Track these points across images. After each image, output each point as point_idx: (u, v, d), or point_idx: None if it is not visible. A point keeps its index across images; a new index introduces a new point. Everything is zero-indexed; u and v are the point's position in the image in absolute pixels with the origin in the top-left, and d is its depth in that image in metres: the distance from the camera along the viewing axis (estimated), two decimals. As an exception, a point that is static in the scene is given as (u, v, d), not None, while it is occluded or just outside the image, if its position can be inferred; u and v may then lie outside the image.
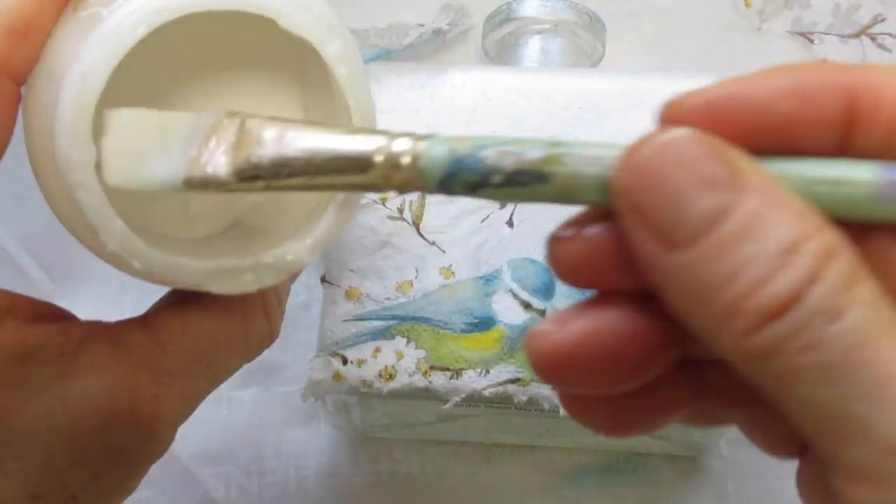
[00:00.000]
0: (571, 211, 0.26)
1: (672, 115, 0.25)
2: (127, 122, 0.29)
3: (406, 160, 0.26)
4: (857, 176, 0.24)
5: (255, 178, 0.27)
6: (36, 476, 0.32)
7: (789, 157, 0.24)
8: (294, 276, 0.37)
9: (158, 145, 0.29)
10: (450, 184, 0.25)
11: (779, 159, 0.24)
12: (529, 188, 0.25)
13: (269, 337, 0.37)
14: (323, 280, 0.43)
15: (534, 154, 0.25)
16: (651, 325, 0.25)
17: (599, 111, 0.45)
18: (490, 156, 0.25)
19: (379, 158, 0.26)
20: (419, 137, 0.26)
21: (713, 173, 0.23)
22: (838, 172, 0.24)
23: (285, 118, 0.28)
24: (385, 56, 0.50)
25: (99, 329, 0.34)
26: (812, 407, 0.22)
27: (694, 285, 0.23)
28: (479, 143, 0.25)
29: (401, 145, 0.26)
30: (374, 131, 0.27)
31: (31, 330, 0.33)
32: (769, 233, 0.22)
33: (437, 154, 0.25)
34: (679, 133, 0.23)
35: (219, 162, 0.28)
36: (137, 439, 0.34)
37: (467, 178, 0.25)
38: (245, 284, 0.32)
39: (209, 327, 0.34)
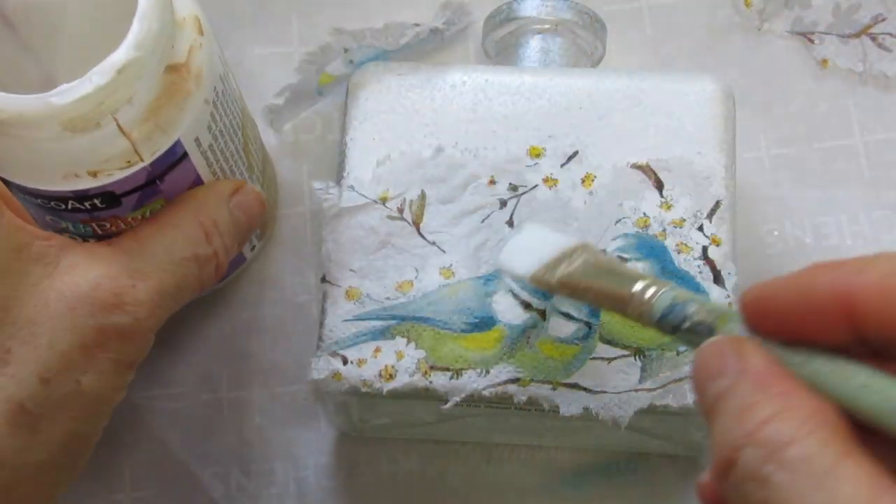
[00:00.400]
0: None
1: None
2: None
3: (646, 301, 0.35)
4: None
5: (567, 288, 0.38)
6: (43, 360, 0.36)
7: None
8: (250, 223, 0.44)
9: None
10: (662, 323, 0.34)
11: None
12: (701, 336, 0.32)
13: (214, 261, 0.42)
14: (323, 280, 0.43)
15: (714, 313, 0.32)
16: None
17: (599, 111, 0.45)
18: (690, 308, 0.33)
19: (635, 297, 0.35)
20: (660, 284, 0.35)
21: (723, 366, 0.28)
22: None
23: (601, 258, 0.39)
24: (383, 56, 0.50)
25: (72, 242, 0.39)
26: None
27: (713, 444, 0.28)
28: (688, 298, 0.33)
29: (648, 293, 0.35)
30: (639, 276, 0.36)
31: (23, 226, 0.38)
32: (747, 412, 0.27)
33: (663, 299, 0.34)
34: (713, 340, 0.30)
35: (554, 273, 0.38)
36: (125, 323, 0.38)
37: (672, 320, 0.33)
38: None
39: (163, 239, 0.40)
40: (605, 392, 0.41)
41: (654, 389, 0.41)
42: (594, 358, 0.42)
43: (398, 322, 0.42)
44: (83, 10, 0.43)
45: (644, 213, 0.44)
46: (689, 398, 0.41)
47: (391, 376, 0.41)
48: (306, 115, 0.53)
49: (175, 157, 0.41)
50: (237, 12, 0.56)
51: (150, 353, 0.50)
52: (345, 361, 0.42)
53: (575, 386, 0.41)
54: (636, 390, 0.41)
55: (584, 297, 0.38)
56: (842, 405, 0.27)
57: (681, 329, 0.33)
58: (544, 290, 0.40)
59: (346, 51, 0.50)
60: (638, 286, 0.35)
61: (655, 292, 0.34)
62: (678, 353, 0.41)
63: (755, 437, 0.26)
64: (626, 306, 0.35)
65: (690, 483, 0.48)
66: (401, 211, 0.44)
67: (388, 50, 0.51)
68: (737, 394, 0.27)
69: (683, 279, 0.42)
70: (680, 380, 0.41)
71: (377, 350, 0.42)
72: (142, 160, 0.40)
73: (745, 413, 0.27)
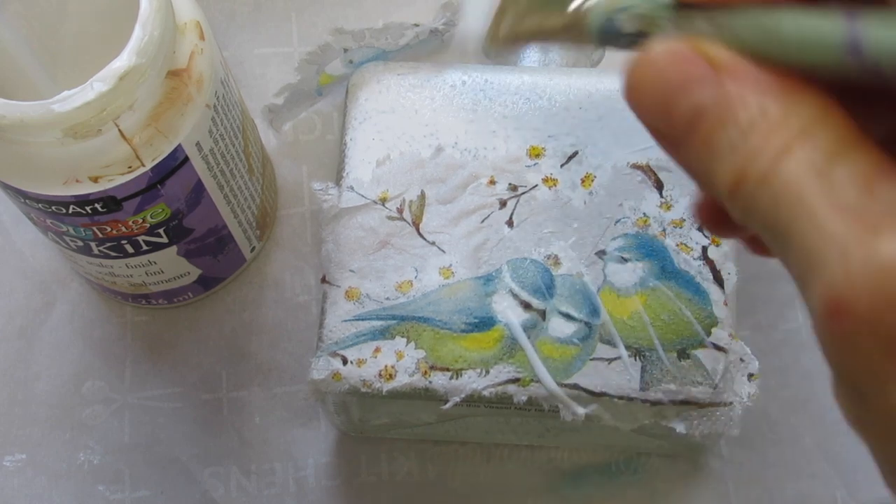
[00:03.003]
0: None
1: None
2: None
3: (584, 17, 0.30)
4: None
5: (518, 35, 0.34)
6: None
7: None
8: None
9: None
10: (603, 41, 0.30)
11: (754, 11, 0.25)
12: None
13: None
14: (323, 280, 0.43)
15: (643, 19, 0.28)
16: None
17: (599, 111, 0.45)
18: (620, 18, 0.28)
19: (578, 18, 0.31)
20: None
21: (692, 73, 0.25)
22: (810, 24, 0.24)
23: None
24: (382, 57, 0.50)
25: None
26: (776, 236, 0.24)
27: (693, 173, 0.26)
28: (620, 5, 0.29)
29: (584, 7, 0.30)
30: None
31: None
32: (737, 117, 0.24)
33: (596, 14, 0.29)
34: (656, 48, 0.26)
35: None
36: None
37: (609, 36, 0.29)
38: None
39: None
40: (605, 394, 0.41)
41: (657, 404, 0.41)
42: (594, 358, 0.42)
43: (398, 322, 0.42)
44: (84, 15, 0.43)
45: (644, 213, 0.44)
46: (694, 419, 0.41)
47: (391, 376, 0.41)
48: (306, 115, 0.53)
49: (176, 162, 0.41)
50: (237, 13, 0.56)
51: (150, 352, 0.51)
52: (344, 361, 0.42)
53: (575, 387, 0.41)
54: (641, 400, 0.41)
55: (537, 36, 0.34)
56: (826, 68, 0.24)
57: (620, 44, 0.29)
58: (504, 50, 0.39)
59: (345, 51, 0.50)
60: (575, 3, 0.31)
61: (589, 6, 0.31)
62: (678, 356, 0.41)
63: (767, 151, 0.24)
64: (571, 32, 0.31)
65: (690, 483, 0.48)
66: (400, 211, 0.44)
67: (388, 50, 0.51)
68: (734, 104, 0.24)
69: (683, 279, 0.42)
70: (684, 403, 0.41)
71: (377, 350, 0.42)
72: (143, 165, 0.40)
73: (755, 127, 0.24)
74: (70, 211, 0.41)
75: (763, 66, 0.24)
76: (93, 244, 0.44)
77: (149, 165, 0.40)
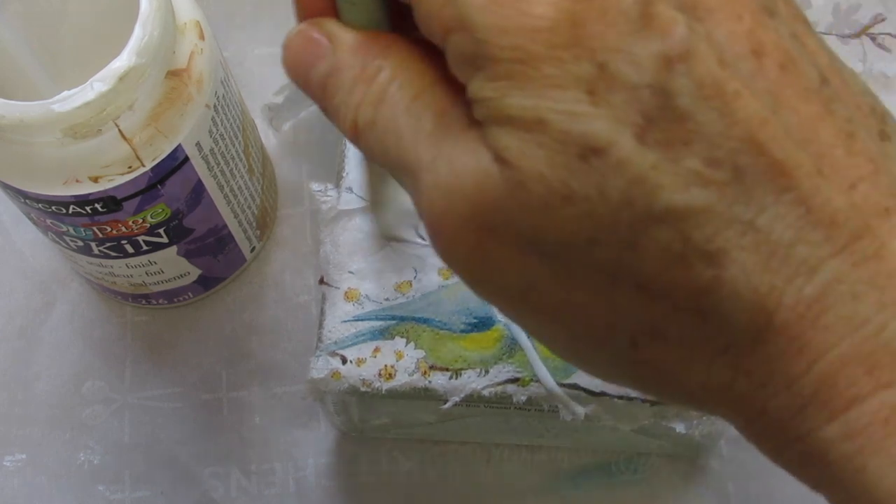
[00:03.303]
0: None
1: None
2: None
3: None
4: None
5: None
6: None
7: None
8: None
9: None
10: None
11: None
12: None
13: None
14: (321, 282, 0.43)
15: None
16: None
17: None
18: None
19: None
20: None
21: (314, 51, 0.30)
22: None
23: None
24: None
25: None
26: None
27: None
28: None
29: None
30: None
31: None
32: (343, 79, 0.29)
33: None
34: (292, 32, 0.31)
35: None
36: None
37: None
38: None
39: None
40: (605, 394, 0.41)
41: (657, 404, 0.41)
42: (594, 358, 0.42)
43: (397, 322, 0.42)
44: (84, 15, 0.43)
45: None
46: (693, 418, 0.41)
47: (391, 376, 0.41)
48: (306, 115, 0.53)
49: (176, 162, 0.41)
50: (237, 13, 0.56)
51: (150, 352, 0.51)
52: (344, 361, 0.42)
53: (574, 386, 0.41)
54: (640, 400, 0.41)
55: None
56: None
57: None
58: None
59: (345, 51, 0.50)
60: None
61: None
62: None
63: (367, 92, 0.28)
64: None
65: (690, 483, 0.48)
66: (400, 213, 0.44)
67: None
68: (344, 67, 0.29)
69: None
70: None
71: (376, 350, 0.42)
72: (143, 165, 0.40)
73: (359, 77, 0.28)
74: (70, 211, 0.41)
75: (361, 33, 0.29)
76: (93, 244, 0.44)
77: (149, 165, 0.40)
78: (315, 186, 0.44)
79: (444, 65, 0.27)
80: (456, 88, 0.27)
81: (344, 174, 0.45)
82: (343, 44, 0.29)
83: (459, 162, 0.26)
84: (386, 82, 0.28)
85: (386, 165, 0.29)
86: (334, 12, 0.30)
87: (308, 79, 0.30)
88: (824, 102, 0.25)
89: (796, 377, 0.25)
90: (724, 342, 0.25)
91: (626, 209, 0.25)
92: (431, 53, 0.28)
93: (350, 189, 0.44)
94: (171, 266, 0.47)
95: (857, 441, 0.24)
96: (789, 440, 0.26)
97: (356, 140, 0.29)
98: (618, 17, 0.25)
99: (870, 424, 0.24)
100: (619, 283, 0.26)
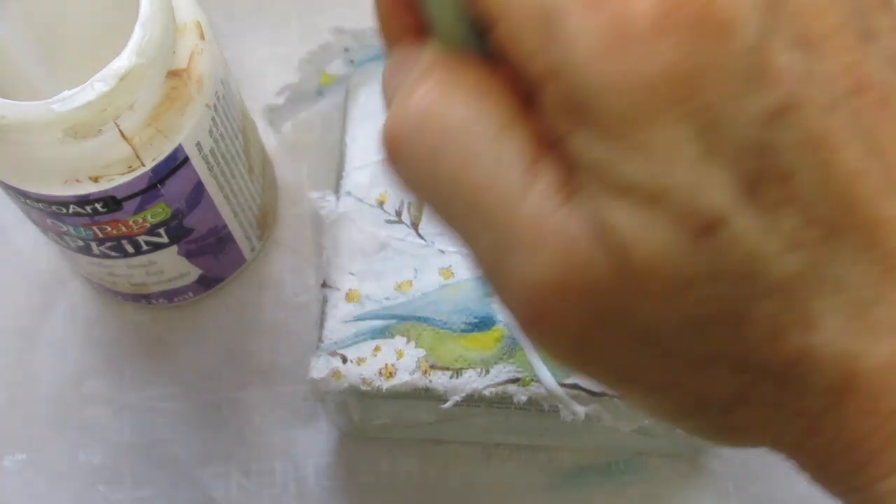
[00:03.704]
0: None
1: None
2: None
3: None
4: None
5: None
6: None
7: None
8: None
9: None
10: None
11: None
12: None
13: None
14: (323, 285, 0.43)
15: None
16: None
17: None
18: None
19: None
20: None
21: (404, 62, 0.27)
22: None
23: None
24: (383, 57, 0.50)
25: None
26: None
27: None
28: None
29: None
30: None
31: None
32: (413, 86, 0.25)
33: None
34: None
35: None
36: None
37: None
38: None
39: None
40: (605, 394, 0.41)
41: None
42: (594, 358, 0.42)
43: (398, 321, 0.42)
44: (84, 15, 0.43)
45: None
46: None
47: (391, 374, 0.41)
48: (306, 115, 0.53)
49: (176, 162, 0.41)
50: (237, 13, 0.56)
51: (150, 352, 0.51)
52: (344, 360, 0.42)
53: (575, 386, 0.41)
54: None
55: None
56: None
57: None
58: None
59: (346, 51, 0.50)
60: None
61: None
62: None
63: (424, 107, 0.25)
64: None
65: (691, 483, 0.48)
66: (399, 214, 0.44)
67: (388, 50, 0.51)
68: (409, 79, 0.26)
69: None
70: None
71: (377, 349, 0.42)
72: (143, 165, 0.40)
73: (416, 88, 0.25)
74: (70, 211, 0.41)
75: (442, 49, 0.26)
76: (93, 244, 0.44)
77: (149, 165, 0.40)
78: (315, 194, 0.44)
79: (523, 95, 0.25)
80: (538, 127, 0.24)
81: (344, 173, 0.45)
82: (423, 59, 0.26)
83: (572, 246, 0.23)
84: (454, 104, 0.25)
85: (442, 210, 0.25)
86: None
87: (385, 91, 0.27)
88: None
89: (865, 437, 0.24)
90: (801, 407, 0.25)
91: (743, 285, 0.23)
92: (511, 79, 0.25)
93: (349, 193, 0.44)
94: (172, 266, 0.47)
95: None
96: (850, 489, 0.25)
97: (393, 161, 0.25)
98: (732, 67, 0.22)
99: None
100: (719, 360, 0.24)
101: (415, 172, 0.25)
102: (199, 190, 0.43)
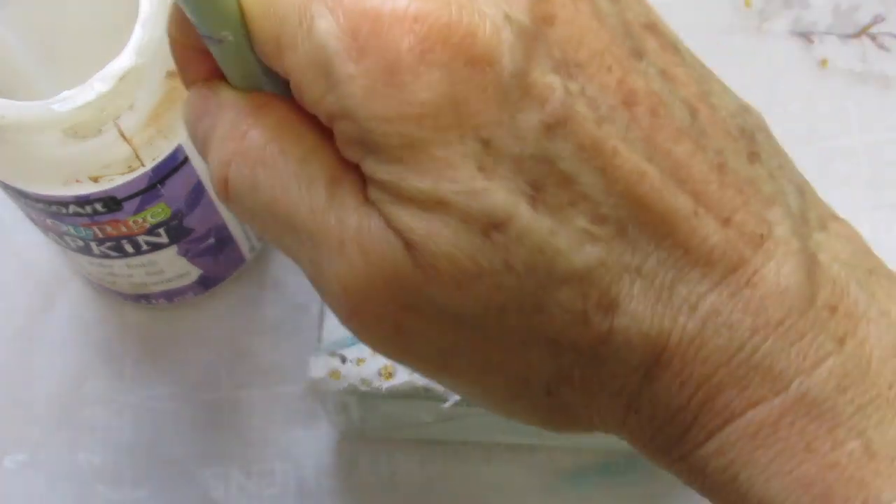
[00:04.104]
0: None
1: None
2: None
3: None
4: None
5: None
6: None
7: None
8: None
9: None
10: None
11: None
12: None
13: None
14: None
15: None
16: None
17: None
18: None
19: None
20: None
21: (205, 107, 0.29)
22: None
23: None
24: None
25: None
26: None
27: None
28: None
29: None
30: None
31: None
32: (229, 133, 0.29)
33: None
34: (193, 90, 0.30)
35: None
36: None
37: None
38: None
39: None
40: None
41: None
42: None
43: (398, 322, 0.42)
44: (84, 15, 0.43)
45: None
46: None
47: (390, 374, 0.41)
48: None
49: (176, 163, 0.41)
50: (237, 12, 0.56)
51: (150, 352, 0.51)
52: (343, 360, 0.42)
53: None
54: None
55: None
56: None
57: None
58: None
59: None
60: None
61: None
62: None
63: (238, 150, 0.28)
64: None
65: (690, 483, 0.48)
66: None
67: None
68: (219, 123, 0.28)
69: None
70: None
71: (377, 349, 0.42)
72: (143, 165, 0.40)
73: (229, 134, 0.28)
74: (70, 211, 0.41)
75: (242, 92, 0.29)
76: (93, 244, 0.44)
77: (149, 165, 0.40)
78: None
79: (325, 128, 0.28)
80: (339, 154, 0.27)
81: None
82: (222, 101, 0.29)
83: (370, 245, 0.26)
84: (262, 142, 0.28)
85: (270, 234, 0.29)
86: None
87: (195, 135, 0.30)
88: (694, 139, 0.27)
89: (679, 409, 0.27)
90: (618, 385, 0.27)
91: (531, 277, 0.26)
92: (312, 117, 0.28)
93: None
94: (172, 266, 0.47)
95: (729, 455, 0.26)
96: (674, 459, 0.28)
97: (227, 200, 0.28)
98: (496, 92, 0.25)
99: (739, 440, 0.26)
100: (531, 342, 0.27)
101: (243, 206, 0.28)
102: (199, 190, 0.43)
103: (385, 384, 0.41)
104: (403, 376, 0.41)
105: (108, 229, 0.42)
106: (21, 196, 0.41)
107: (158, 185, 0.41)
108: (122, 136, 0.38)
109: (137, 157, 0.39)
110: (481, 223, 0.25)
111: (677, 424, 0.27)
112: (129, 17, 0.38)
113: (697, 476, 0.27)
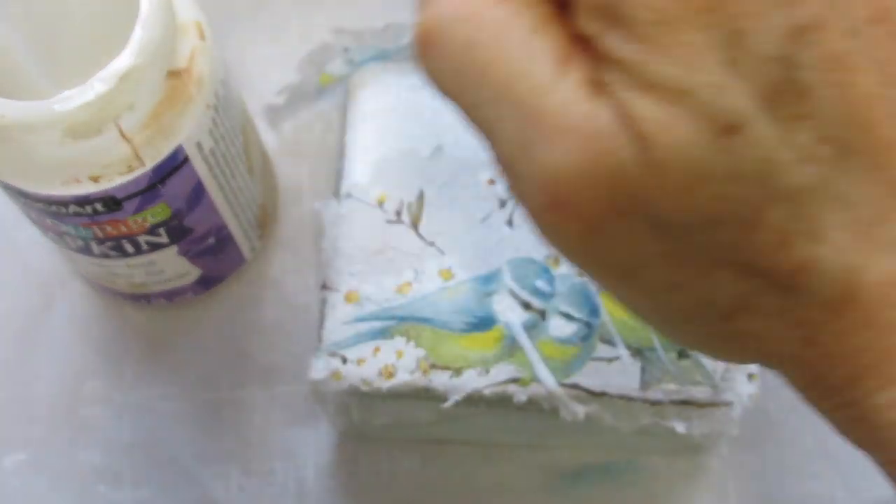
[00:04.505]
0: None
1: None
2: None
3: None
4: None
5: None
6: None
7: None
8: None
9: None
10: None
11: None
12: None
13: None
14: (323, 287, 0.43)
15: None
16: None
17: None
18: None
19: None
20: None
21: None
22: None
23: None
24: (383, 56, 0.50)
25: None
26: None
27: None
28: None
29: None
30: None
31: None
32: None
33: None
34: None
35: None
36: None
37: None
38: None
39: None
40: (605, 394, 0.41)
41: (657, 404, 0.41)
42: (594, 358, 0.42)
43: (398, 322, 0.42)
44: (84, 15, 0.43)
45: (644, 213, 0.44)
46: (693, 418, 0.41)
47: (391, 374, 0.41)
48: (306, 115, 0.53)
49: (176, 162, 0.41)
50: (237, 12, 0.56)
51: (150, 352, 0.51)
52: (344, 361, 0.42)
53: (575, 386, 0.41)
54: (641, 400, 0.41)
55: None
56: None
57: None
58: None
59: (346, 51, 0.50)
60: None
61: None
62: (678, 355, 0.41)
63: (466, 1, 0.26)
64: None
65: (691, 483, 0.48)
66: (398, 214, 0.44)
67: (389, 50, 0.51)
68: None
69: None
70: (684, 402, 0.41)
71: (377, 349, 0.42)
72: (143, 165, 0.40)
73: None
74: (70, 211, 0.41)
75: None
76: (93, 244, 0.44)
77: (149, 165, 0.40)
78: (317, 205, 0.44)
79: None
80: (571, 30, 0.26)
81: (344, 173, 0.45)
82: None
83: (593, 132, 0.25)
84: (493, 1, 0.26)
85: (467, 98, 0.27)
86: None
87: None
88: None
89: (862, 350, 0.26)
90: (802, 317, 0.26)
91: (753, 190, 0.24)
92: None
93: (349, 194, 0.44)
94: (172, 266, 0.47)
95: None
96: (839, 404, 0.27)
97: (429, 49, 0.26)
98: None
99: None
100: (726, 262, 0.26)
101: (446, 61, 0.26)
102: (199, 190, 0.43)
103: (385, 384, 0.41)
104: (404, 376, 0.41)
105: (108, 229, 0.42)
106: (21, 196, 0.41)
107: (158, 185, 0.41)
108: (122, 136, 0.38)
109: (137, 157, 0.39)
110: (720, 123, 0.24)
111: (855, 366, 0.26)
112: (129, 17, 0.38)
113: (862, 425, 0.26)
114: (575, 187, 0.25)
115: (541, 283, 0.42)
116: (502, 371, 0.41)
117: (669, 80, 0.24)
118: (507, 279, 0.42)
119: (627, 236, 0.25)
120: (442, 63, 0.26)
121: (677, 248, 0.26)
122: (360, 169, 0.44)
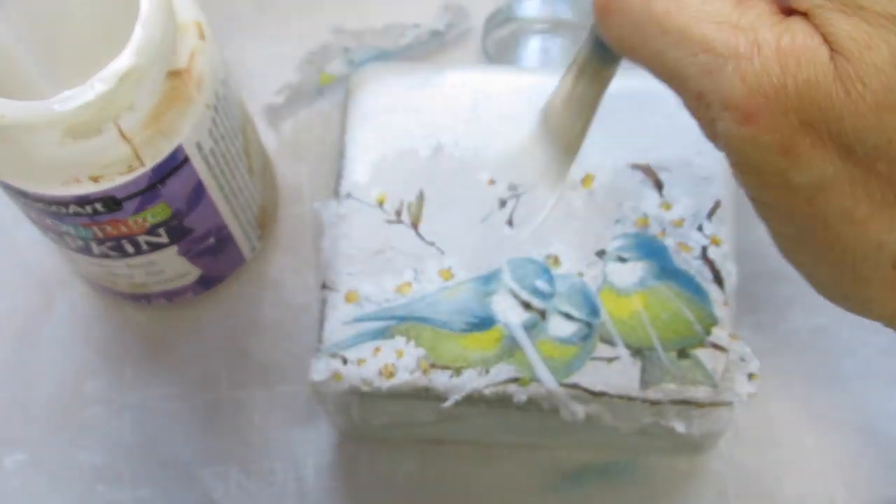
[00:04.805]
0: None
1: None
2: None
3: None
4: None
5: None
6: None
7: None
8: None
9: None
10: None
11: None
12: None
13: None
14: (323, 287, 0.43)
15: None
16: None
17: (599, 112, 0.45)
18: None
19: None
20: None
21: None
22: None
23: None
24: (383, 57, 0.50)
25: None
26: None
27: None
28: None
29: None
30: None
31: None
32: None
33: None
34: None
35: None
36: None
37: None
38: None
39: None
40: (605, 394, 0.41)
41: (657, 403, 0.41)
42: (594, 358, 0.42)
43: (398, 322, 0.42)
44: (84, 15, 0.43)
45: (644, 213, 0.44)
46: (693, 418, 0.41)
47: (391, 374, 0.41)
48: (306, 115, 0.53)
49: (176, 163, 0.41)
50: (237, 13, 0.56)
51: (150, 352, 0.51)
52: (344, 361, 0.42)
53: (575, 386, 0.41)
54: (641, 400, 0.41)
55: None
56: None
57: None
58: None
59: (346, 51, 0.50)
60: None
61: None
62: (678, 355, 0.41)
63: None
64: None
65: (691, 483, 0.48)
66: (398, 214, 0.44)
67: (389, 50, 0.51)
68: None
69: (683, 279, 0.42)
70: (684, 402, 0.41)
71: (377, 349, 0.42)
72: (143, 165, 0.40)
73: None
74: (70, 211, 0.41)
75: None
76: (93, 244, 0.44)
77: (149, 165, 0.40)
78: (317, 205, 0.44)
79: None
80: None
81: (344, 173, 0.45)
82: None
83: (790, 50, 0.25)
84: None
85: (650, 48, 0.28)
86: None
87: None
88: None
89: None
90: None
91: None
92: None
93: (349, 194, 0.44)
94: (172, 266, 0.47)
95: None
96: None
97: (608, 14, 0.29)
98: None
99: None
100: None
101: (627, 17, 0.28)
102: (199, 190, 0.43)
103: (385, 384, 0.41)
104: (404, 376, 0.41)
105: (108, 229, 0.42)
106: (21, 196, 0.41)
107: (158, 185, 0.41)
108: (122, 136, 0.38)
109: (137, 157, 0.39)
110: None
111: None
112: (129, 17, 0.38)
113: None
114: (767, 101, 0.25)
115: (541, 283, 0.42)
116: (502, 371, 0.41)
117: (879, 3, 0.24)
118: (507, 279, 0.42)
119: (815, 155, 0.26)
120: (623, 19, 0.28)
121: (862, 174, 0.26)
122: (360, 169, 0.44)
